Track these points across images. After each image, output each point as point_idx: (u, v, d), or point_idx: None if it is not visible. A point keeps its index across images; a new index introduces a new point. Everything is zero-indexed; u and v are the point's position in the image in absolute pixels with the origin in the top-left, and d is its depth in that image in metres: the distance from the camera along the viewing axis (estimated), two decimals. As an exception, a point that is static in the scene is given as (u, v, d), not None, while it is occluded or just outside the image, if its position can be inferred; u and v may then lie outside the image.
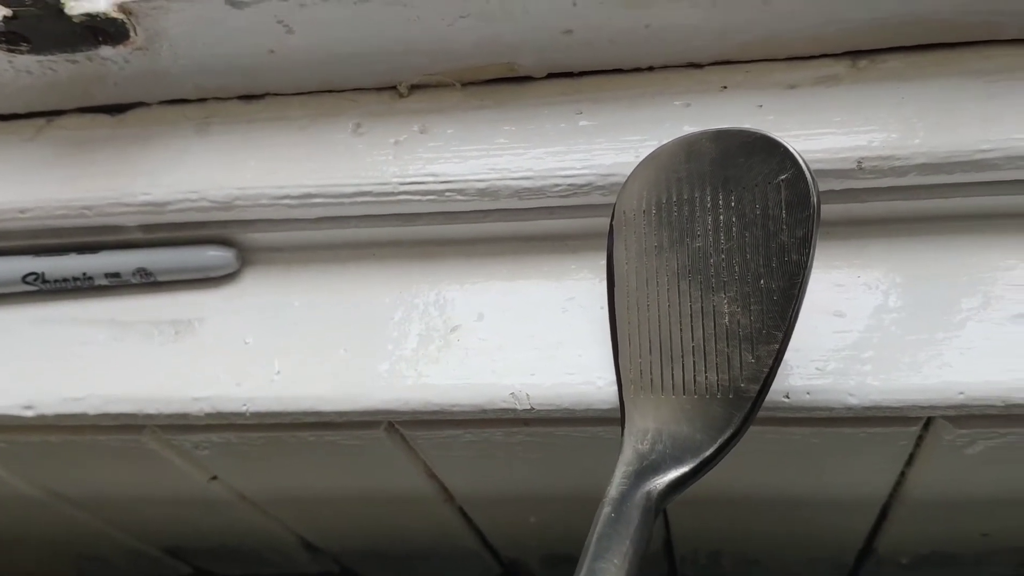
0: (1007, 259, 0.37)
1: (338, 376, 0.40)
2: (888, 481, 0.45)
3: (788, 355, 0.36)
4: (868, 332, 0.37)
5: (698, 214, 0.33)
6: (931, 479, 0.44)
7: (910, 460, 0.42)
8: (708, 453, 0.31)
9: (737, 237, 0.32)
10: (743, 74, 0.39)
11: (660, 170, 0.35)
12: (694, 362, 0.33)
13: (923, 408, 0.35)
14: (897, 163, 0.36)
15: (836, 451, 0.41)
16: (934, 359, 0.36)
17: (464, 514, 0.54)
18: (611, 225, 0.36)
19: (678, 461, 0.32)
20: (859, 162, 0.36)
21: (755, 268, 0.31)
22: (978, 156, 0.36)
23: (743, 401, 0.31)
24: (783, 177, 0.31)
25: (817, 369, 0.36)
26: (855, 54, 0.38)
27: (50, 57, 0.41)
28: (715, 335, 0.32)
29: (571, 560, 0.61)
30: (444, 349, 0.39)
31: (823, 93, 0.38)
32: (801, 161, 0.31)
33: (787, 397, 0.36)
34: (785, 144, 0.31)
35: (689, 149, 0.34)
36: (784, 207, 0.31)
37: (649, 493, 0.31)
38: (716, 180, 0.33)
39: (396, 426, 0.42)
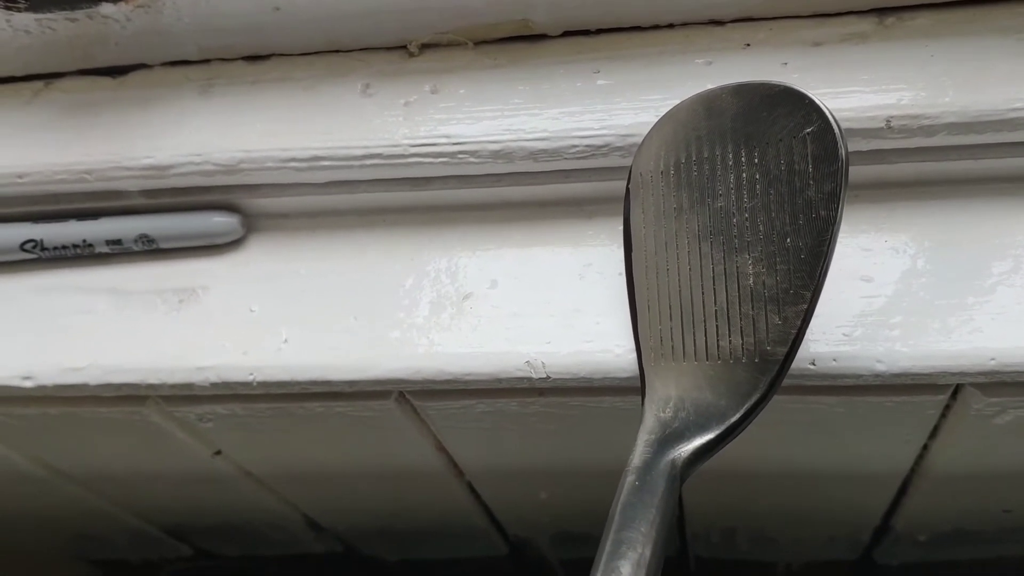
0: (1039, 222, 0.36)
1: (347, 344, 0.38)
2: (910, 454, 0.44)
3: (813, 321, 0.35)
4: (896, 297, 0.35)
5: (719, 173, 0.32)
6: (955, 451, 0.43)
7: (935, 431, 0.41)
8: (734, 419, 0.30)
9: (761, 195, 0.31)
10: (766, 31, 0.38)
11: (678, 128, 0.33)
12: (717, 326, 0.31)
13: (953, 374, 0.34)
14: (926, 122, 0.35)
15: (860, 422, 0.40)
16: (964, 324, 0.35)
17: (473, 490, 0.53)
18: (627, 188, 0.35)
19: (703, 428, 0.30)
20: (888, 121, 0.35)
21: (780, 226, 0.30)
22: (1010, 115, 0.34)
23: (770, 364, 0.30)
24: (809, 130, 0.30)
25: (844, 335, 0.35)
26: (882, 11, 0.37)
27: (49, 15, 0.40)
28: (739, 297, 0.31)
29: (583, 539, 0.60)
30: (457, 317, 0.38)
31: (849, 51, 0.37)
32: (828, 112, 0.30)
33: (813, 364, 0.35)
34: (810, 95, 0.30)
35: (709, 105, 0.33)
36: (811, 161, 0.30)
37: (674, 461, 0.30)
38: (738, 136, 0.32)
39: (407, 396, 0.41)
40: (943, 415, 0.40)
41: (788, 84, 0.31)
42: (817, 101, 0.30)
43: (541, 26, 0.39)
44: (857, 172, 0.37)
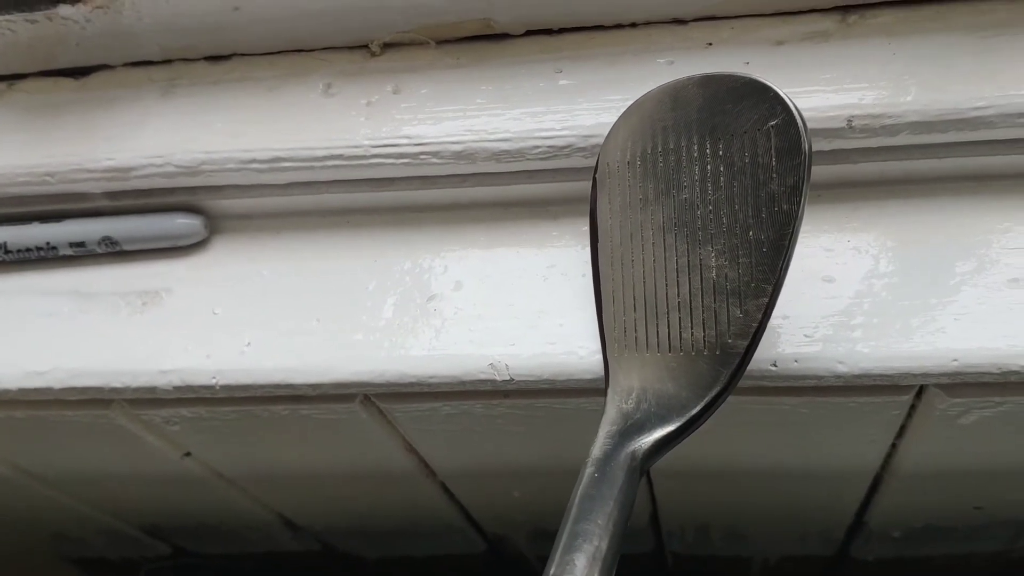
0: (1003, 221, 0.36)
1: (310, 347, 0.38)
2: (879, 453, 0.44)
3: (775, 322, 0.35)
4: (858, 298, 0.35)
5: (684, 164, 0.32)
6: (923, 450, 0.43)
7: (901, 431, 0.41)
8: (694, 411, 0.30)
9: (725, 187, 0.30)
10: (729, 30, 0.37)
11: (645, 119, 0.33)
12: (680, 318, 0.31)
13: (915, 376, 0.34)
14: (888, 121, 0.35)
15: (825, 421, 0.40)
16: (927, 325, 0.34)
17: (447, 490, 0.53)
18: (594, 178, 0.35)
19: (663, 420, 0.30)
20: (849, 120, 0.35)
21: (743, 219, 0.30)
22: (972, 114, 0.34)
23: (730, 358, 0.30)
24: (773, 123, 0.30)
25: (805, 336, 0.35)
26: (845, 9, 0.37)
27: (7, 16, 0.39)
28: (702, 290, 0.31)
29: (557, 536, 0.60)
30: (420, 319, 0.38)
31: (812, 49, 0.36)
32: (792, 105, 0.29)
33: (774, 365, 0.35)
34: (775, 88, 0.30)
35: (675, 96, 0.32)
36: (774, 154, 0.29)
37: (634, 453, 0.30)
38: (703, 128, 0.31)
39: (372, 399, 0.40)
40: (909, 415, 0.39)
41: (754, 76, 0.31)
42: (782, 94, 0.30)
43: (503, 25, 0.38)
44: (819, 172, 0.36)
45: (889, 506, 0.51)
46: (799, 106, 0.30)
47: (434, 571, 0.69)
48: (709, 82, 0.32)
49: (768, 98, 0.30)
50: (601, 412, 0.32)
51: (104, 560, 0.71)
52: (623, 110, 0.36)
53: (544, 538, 0.61)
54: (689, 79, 0.32)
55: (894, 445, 0.43)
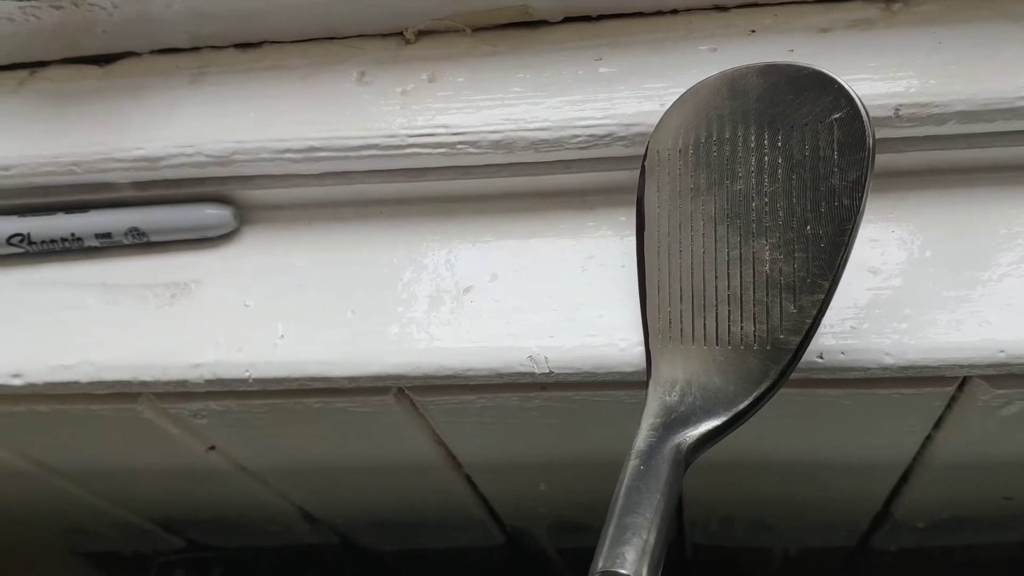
0: (1048, 212, 0.36)
1: (345, 340, 0.38)
2: (914, 444, 0.44)
3: (819, 314, 0.34)
4: (904, 289, 0.35)
5: (740, 154, 0.31)
6: (959, 442, 0.42)
7: (939, 422, 0.41)
8: (743, 406, 0.30)
9: (783, 180, 0.30)
10: (772, 17, 0.37)
11: (700, 107, 0.33)
12: (729, 311, 0.31)
13: (962, 367, 0.34)
14: (936, 110, 0.34)
15: (865, 414, 0.40)
16: (973, 316, 0.34)
17: (471, 482, 0.53)
18: (643, 165, 0.34)
19: (709, 413, 0.30)
20: (896, 109, 0.34)
21: (801, 213, 0.29)
22: (1020, 103, 0.34)
23: (782, 353, 0.30)
24: (837, 116, 0.29)
25: (852, 328, 0.34)
26: (889, -4, 0.37)
27: (33, 3, 0.39)
28: (754, 283, 0.30)
29: (581, 528, 0.60)
30: (457, 311, 0.38)
31: (857, 37, 0.36)
32: (857, 99, 0.29)
33: (821, 357, 0.34)
34: (840, 80, 0.29)
35: (733, 84, 0.32)
36: (837, 148, 0.29)
37: (679, 446, 0.30)
38: (762, 118, 0.31)
39: (406, 391, 0.40)
40: (948, 406, 0.39)
41: (817, 67, 0.30)
42: (847, 87, 0.29)
43: (541, 11, 0.38)
44: (864, 161, 0.36)
45: (917, 497, 0.51)
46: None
47: (451, 563, 0.69)
48: (770, 71, 0.31)
49: (832, 90, 0.29)
50: (642, 404, 0.32)
51: (116, 554, 0.71)
52: (664, 99, 0.35)
53: (564, 530, 0.61)
54: (749, 67, 0.32)
55: (929, 436, 0.43)
